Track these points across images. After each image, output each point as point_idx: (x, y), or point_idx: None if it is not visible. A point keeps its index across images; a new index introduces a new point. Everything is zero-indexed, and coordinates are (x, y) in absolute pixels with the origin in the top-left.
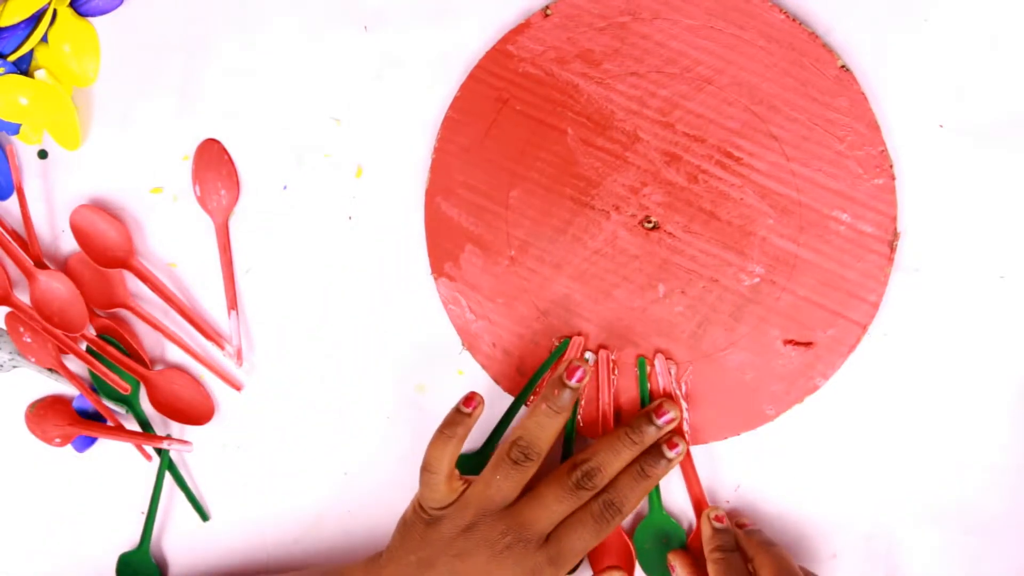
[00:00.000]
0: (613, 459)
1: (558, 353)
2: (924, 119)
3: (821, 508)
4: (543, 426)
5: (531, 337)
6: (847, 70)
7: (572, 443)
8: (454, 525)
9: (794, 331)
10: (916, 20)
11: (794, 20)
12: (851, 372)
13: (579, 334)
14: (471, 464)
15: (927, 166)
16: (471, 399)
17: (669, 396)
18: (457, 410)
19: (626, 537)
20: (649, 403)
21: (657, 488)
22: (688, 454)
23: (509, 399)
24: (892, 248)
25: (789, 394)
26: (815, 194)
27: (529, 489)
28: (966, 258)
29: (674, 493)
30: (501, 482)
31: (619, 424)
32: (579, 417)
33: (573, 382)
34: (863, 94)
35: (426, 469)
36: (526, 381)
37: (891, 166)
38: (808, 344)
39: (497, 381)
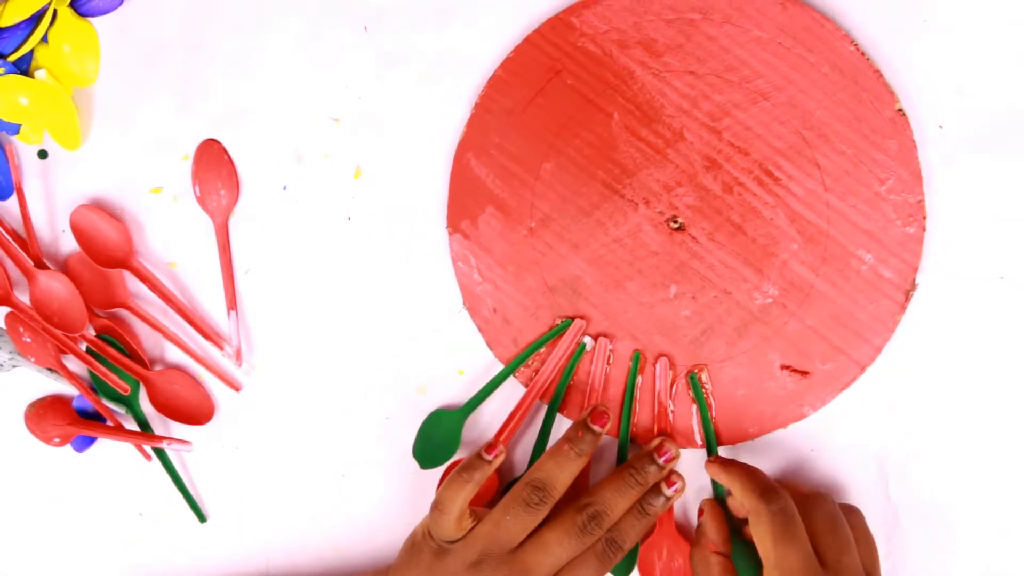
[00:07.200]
0: (619, 500)
1: (558, 331)
2: (924, 119)
3: None
4: (563, 467)
5: (534, 310)
6: (903, 114)
7: (552, 421)
8: (460, 561)
9: (793, 358)
10: (916, 21)
11: (863, 54)
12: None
13: (582, 317)
14: (448, 419)
15: (927, 167)
16: (493, 447)
17: (662, 405)
18: (479, 455)
19: None
20: (635, 398)
21: None
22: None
23: (499, 366)
24: (907, 297)
25: (775, 418)
26: (844, 229)
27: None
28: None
29: None
30: (510, 523)
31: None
32: (563, 399)
33: (597, 427)
34: (914, 141)
35: (437, 508)
36: (520, 352)
37: (924, 217)
38: (805, 373)
39: (491, 347)
